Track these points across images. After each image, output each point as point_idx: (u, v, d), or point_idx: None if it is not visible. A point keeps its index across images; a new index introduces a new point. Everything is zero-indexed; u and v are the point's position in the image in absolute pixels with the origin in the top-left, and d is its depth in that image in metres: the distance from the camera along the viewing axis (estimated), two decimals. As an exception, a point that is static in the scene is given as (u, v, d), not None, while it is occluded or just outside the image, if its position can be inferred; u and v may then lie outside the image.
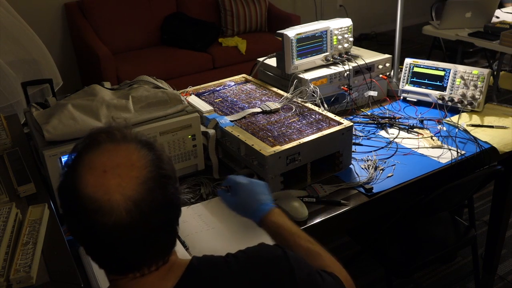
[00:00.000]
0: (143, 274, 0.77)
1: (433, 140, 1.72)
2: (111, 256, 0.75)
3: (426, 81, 1.96)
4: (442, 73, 1.94)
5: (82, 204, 0.71)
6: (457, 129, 1.78)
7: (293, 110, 1.64)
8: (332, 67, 1.91)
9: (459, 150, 1.64)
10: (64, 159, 1.30)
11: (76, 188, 0.71)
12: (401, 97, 2.03)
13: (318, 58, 1.90)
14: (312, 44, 1.87)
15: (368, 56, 1.98)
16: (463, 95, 1.88)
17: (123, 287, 0.79)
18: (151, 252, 0.77)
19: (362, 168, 1.56)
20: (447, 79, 1.92)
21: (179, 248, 1.21)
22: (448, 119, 1.86)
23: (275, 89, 1.83)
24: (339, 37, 1.93)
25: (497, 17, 3.56)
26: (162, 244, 0.78)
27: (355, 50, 2.04)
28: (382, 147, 1.68)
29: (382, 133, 1.78)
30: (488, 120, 1.83)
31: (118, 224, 0.70)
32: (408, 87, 2.00)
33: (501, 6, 3.80)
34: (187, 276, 0.80)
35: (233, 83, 1.94)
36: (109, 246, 0.73)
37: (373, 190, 1.44)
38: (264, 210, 1.10)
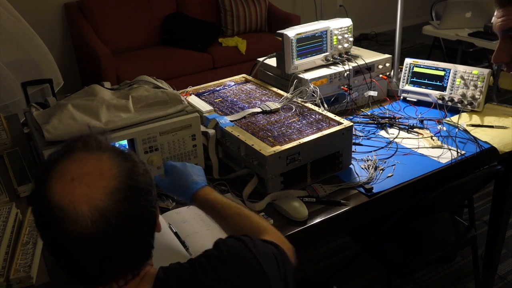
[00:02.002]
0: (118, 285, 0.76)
1: (433, 140, 1.72)
2: (77, 268, 0.74)
3: (426, 81, 1.96)
4: (442, 73, 1.94)
5: (49, 212, 0.70)
6: (457, 129, 1.78)
7: (293, 110, 1.64)
8: (332, 67, 1.91)
9: (459, 150, 1.64)
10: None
11: (45, 196, 0.70)
12: (401, 97, 2.03)
13: (318, 58, 1.90)
14: (312, 44, 1.87)
15: (368, 56, 1.98)
16: (463, 95, 1.88)
17: None
18: (119, 267, 0.75)
19: (362, 168, 1.56)
20: (447, 79, 1.92)
21: (179, 249, 1.21)
22: (448, 119, 1.85)
23: (275, 89, 1.83)
24: (339, 37, 1.93)
25: (497, 17, 3.55)
26: (132, 258, 0.76)
27: (355, 50, 2.04)
28: (382, 147, 1.68)
29: (382, 133, 1.78)
30: (488, 120, 1.83)
31: (83, 234, 0.69)
32: (408, 87, 2.00)
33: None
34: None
35: (233, 83, 1.94)
36: (75, 257, 0.72)
37: (373, 190, 1.44)
38: (194, 188, 1.12)
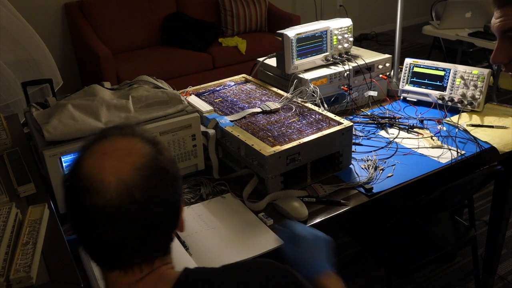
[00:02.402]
0: (131, 281, 0.76)
1: (433, 140, 1.72)
2: (96, 244, 0.75)
3: (426, 81, 1.96)
4: (442, 73, 1.94)
5: (77, 183, 0.72)
6: (457, 129, 1.78)
7: (293, 110, 1.64)
8: (332, 67, 1.91)
9: (459, 150, 1.64)
10: (64, 159, 1.30)
11: (77, 169, 0.73)
12: (401, 97, 2.03)
13: (318, 58, 1.90)
14: (312, 44, 1.87)
15: (368, 56, 1.98)
16: (463, 95, 1.88)
17: None
18: (136, 249, 0.75)
19: (362, 168, 1.56)
20: (447, 79, 1.92)
21: (179, 249, 1.21)
22: (448, 119, 1.85)
23: (275, 89, 1.83)
24: (339, 37, 1.93)
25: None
26: (148, 243, 0.76)
27: (355, 50, 2.04)
28: (382, 147, 1.68)
29: (382, 133, 1.78)
30: (488, 120, 1.83)
31: (107, 207, 0.70)
32: (408, 87, 2.00)
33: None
34: None
35: (233, 83, 1.94)
36: (95, 232, 0.73)
37: (373, 190, 1.44)
38: (318, 272, 1.03)
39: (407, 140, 1.72)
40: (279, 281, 0.80)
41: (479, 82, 1.86)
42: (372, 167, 1.55)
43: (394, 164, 1.58)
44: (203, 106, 1.68)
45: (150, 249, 0.77)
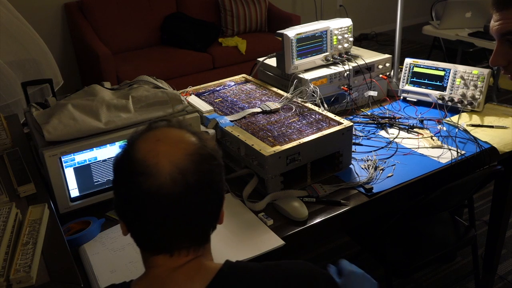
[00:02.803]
0: (175, 266, 0.78)
1: (433, 140, 1.72)
2: (146, 227, 0.76)
3: (426, 81, 1.96)
4: (442, 73, 1.94)
5: (130, 166, 0.75)
6: (457, 129, 1.78)
7: (293, 110, 1.64)
8: (332, 67, 1.91)
9: (459, 150, 1.64)
10: (64, 159, 1.30)
11: (130, 153, 0.76)
12: (401, 97, 2.03)
13: (318, 58, 1.90)
14: (312, 44, 1.87)
15: (368, 56, 1.98)
16: (463, 95, 1.88)
17: (152, 282, 0.79)
18: (185, 233, 0.77)
19: (362, 168, 1.56)
20: (447, 79, 1.92)
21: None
22: (448, 119, 1.85)
23: (275, 89, 1.83)
24: (339, 37, 1.93)
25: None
26: (197, 227, 0.78)
27: (355, 50, 2.04)
28: (382, 147, 1.68)
29: (382, 133, 1.78)
30: (488, 120, 1.83)
31: (161, 190, 0.72)
32: (408, 87, 2.00)
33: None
34: (216, 281, 0.78)
35: (233, 83, 1.94)
36: (146, 215, 0.75)
37: (373, 190, 1.44)
38: None
39: (407, 140, 1.72)
40: (319, 283, 0.82)
41: (479, 82, 1.86)
42: (372, 167, 1.55)
43: (394, 164, 1.58)
44: (203, 106, 1.68)
45: (196, 234, 0.79)
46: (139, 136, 0.79)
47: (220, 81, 1.97)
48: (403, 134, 1.77)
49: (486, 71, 1.86)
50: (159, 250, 0.78)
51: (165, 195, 0.73)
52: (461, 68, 1.90)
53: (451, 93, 1.91)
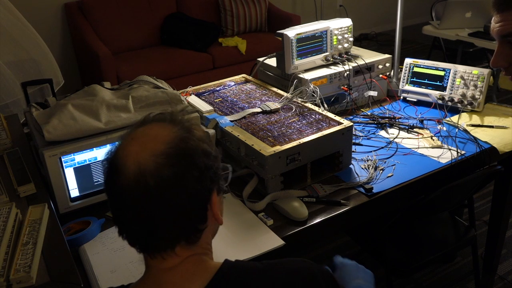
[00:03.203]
0: (170, 266, 0.78)
1: (433, 140, 1.72)
2: (128, 226, 0.78)
3: (426, 81, 1.96)
4: (442, 73, 1.94)
5: (109, 163, 0.78)
6: (457, 129, 1.78)
7: (293, 110, 1.64)
8: (332, 67, 1.91)
9: (459, 150, 1.64)
10: (64, 159, 1.30)
11: (113, 150, 0.79)
12: (401, 97, 2.03)
13: (318, 58, 1.90)
14: (312, 44, 1.87)
15: (368, 56, 1.98)
16: (463, 95, 1.88)
17: (150, 283, 0.80)
18: (165, 232, 0.76)
19: (362, 168, 1.56)
20: (447, 79, 1.92)
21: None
22: (448, 119, 1.85)
23: (275, 89, 1.83)
24: (339, 37, 1.93)
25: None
26: (175, 226, 0.76)
27: (355, 50, 2.04)
28: (382, 147, 1.68)
29: (382, 133, 1.78)
30: (488, 120, 1.83)
31: (127, 189, 0.74)
32: (408, 87, 2.00)
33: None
34: (216, 281, 0.78)
35: (233, 83, 1.94)
36: (123, 212, 0.77)
37: (373, 190, 1.44)
38: None
39: (407, 140, 1.72)
40: (319, 280, 0.82)
41: (479, 82, 1.86)
42: (372, 167, 1.55)
43: (394, 164, 1.58)
44: (203, 106, 1.68)
45: (178, 233, 0.77)
46: (129, 131, 0.81)
47: (220, 81, 1.97)
48: (403, 134, 1.77)
49: (486, 71, 1.86)
50: (147, 249, 0.79)
51: (130, 195, 0.74)
52: (461, 68, 1.90)
53: (451, 93, 1.91)
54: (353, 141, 1.61)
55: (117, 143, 0.80)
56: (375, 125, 1.83)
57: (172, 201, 0.74)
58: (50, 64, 2.41)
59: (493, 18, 1.03)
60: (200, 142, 0.79)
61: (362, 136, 1.75)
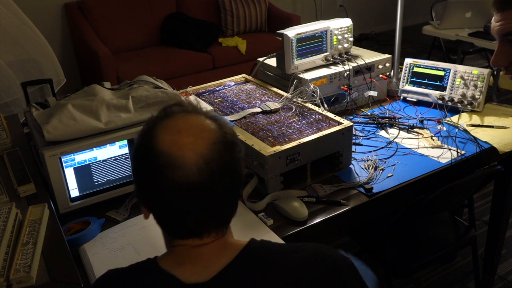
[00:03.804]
0: (203, 243, 0.80)
1: (433, 140, 1.72)
2: (176, 216, 0.78)
3: (426, 81, 1.96)
4: (442, 73, 1.94)
5: (155, 160, 0.75)
6: (457, 129, 1.78)
7: (293, 110, 1.64)
8: (332, 67, 1.91)
9: (459, 150, 1.64)
10: (64, 159, 1.30)
11: (152, 145, 0.76)
12: (401, 97, 2.03)
13: (318, 58, 1.90)
14: (312, 44, 1.87)
15: (368, 56, 1.98)
16: (463, 95, 1.88)
17: (180, 255, 0.81)
18: (213, 217, 0.79)
19: (362, 168, 1.56)
20: (447, 79, 1.92)
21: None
22: (448, 119, 1.85)
23: (275, 89, 1.83)
24: (339, 37, 1.93)
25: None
26: (223, 211, 0.81)
27: (355, 50, 2.04)
28: (382, 147, 1.68)
29: (382, 133, 1.78)
30: (488, 120, 1.83)
31: (187, 181, 0.74)
32: (408, 87, 2.00)
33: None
34: (242, 256, 0.81)
35: (233, 83, 1.94)
36: (175, 205, 0.76)
37: (373, 190, 1.44)
38: None
39: (407, 140, 1.72)
40: (339, 266, 0.84)
41: (479, 82, 1.86)
42: (372, 167, 1.55)
43: (394, 164, 1.58)
44: (203, 106, 1.68)
45: (222, 218, 0.82)
46: (157, 124, 0.79)
47: (220, 81, 1.97)
48: (403, 134, 1.77)
49: (486, 71, 1.86)
50: (188, 235, 0.80)
51: (192, 185, 0.74)
52: (461, 68, 1.90)
53: (451, 93, 1.91)
54: (353, 141, 1.61)
55: (144, 134, 0.79)
56: (375, 125, 1.83)
57: (231, 184, 0.79)
58: (52, 63, 2.40)
59: (493, 17, 1.03)
60: (228, 125, 0.83)
61: (362, 136, 1.75)
